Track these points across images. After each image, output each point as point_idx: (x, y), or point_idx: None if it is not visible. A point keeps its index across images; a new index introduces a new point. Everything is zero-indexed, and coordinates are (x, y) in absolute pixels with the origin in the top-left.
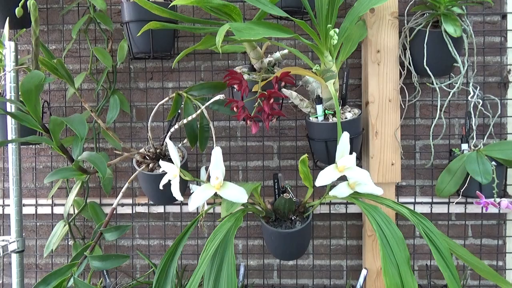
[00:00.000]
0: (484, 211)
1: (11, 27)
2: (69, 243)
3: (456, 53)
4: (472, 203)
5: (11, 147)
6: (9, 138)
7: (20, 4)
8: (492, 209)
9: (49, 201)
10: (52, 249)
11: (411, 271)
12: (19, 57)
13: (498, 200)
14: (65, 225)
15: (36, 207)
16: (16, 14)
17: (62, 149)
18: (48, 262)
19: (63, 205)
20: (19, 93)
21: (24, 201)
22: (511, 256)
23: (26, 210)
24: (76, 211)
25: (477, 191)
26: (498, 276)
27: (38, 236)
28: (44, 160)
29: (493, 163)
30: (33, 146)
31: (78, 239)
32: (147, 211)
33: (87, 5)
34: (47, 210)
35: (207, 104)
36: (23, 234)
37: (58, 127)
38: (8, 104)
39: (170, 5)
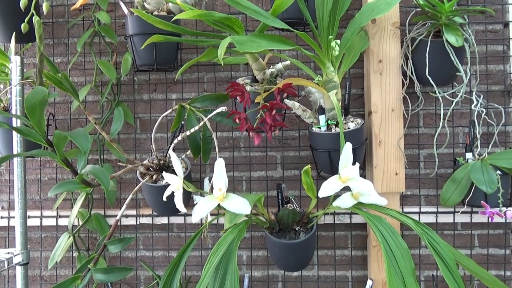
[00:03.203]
0: (490, 221)
1: (17, 41)
2: (74, 255)
3: (458, 62)
4: (477, 212)
5: (16, 160)
6: (15, 151)
7: (25, 20)
8: (498, 219)
9: (54, 213)
10: (56, 261)
11: (416, 282)
12: (25, 71)
13: (503, 209)
14: (69, 237)
15: (41, 219)
16: (22, 30)
17: (66, 162)
18: (53, 274)
19: (68, 216)
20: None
21: (29, 213)
22: None
23: (31, 222)
24: (81, 223)
25: (482, 201)
26: (506, 287)
27: (43, 248)
28: (49, 172)
29: (498, 172)
30: (38, 159)
31: (83, 251)
32: (151, 222)
33: (92, 19)
34: (52, 222)
35: (209, 116)
36: (28, 246)
37: (62, 141)
38: (13, 118)
39: (172, 19)
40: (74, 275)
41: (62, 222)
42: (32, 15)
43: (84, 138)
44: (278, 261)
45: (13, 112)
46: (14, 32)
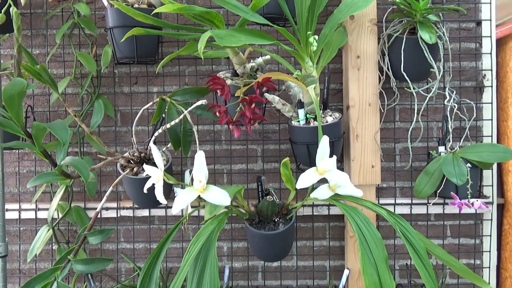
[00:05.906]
0: (460, 211)
1: None
2: (54, 248)
3: (432, 59)
4: (449, 203)
5: None
6: None
7: (2, 11)
8: (467, 210)
9: (33, 206)
10: (36, 254)
11: (389, 270)
12: (2, 62)
13: (472, 200)
14: (49, 230)
15: (19, 212)
16: None
17: (45, 154)
18: (32, 267)
19: (47, 209)
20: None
21: (8, 206)
22: (488, 255)
23: (9, 215)
24: (60, 216)
25: (451, 192)
26: (474, 275)
27: (22, 241)
28: (27, 165)
29: (468, 165)
30: (17, 151)
31: (63, 244)
32: (132, 215)
33: (71, 10)
34: (30, 215)
35: (190, 109)
36: (6, 239)
37: (41, 132)
38: None
39: (153, 12)
40: (54, 266)
41: (41, 215)
42: (10, 6)
43: (63, 130)
44: (258, 251)
45: None
46: None
